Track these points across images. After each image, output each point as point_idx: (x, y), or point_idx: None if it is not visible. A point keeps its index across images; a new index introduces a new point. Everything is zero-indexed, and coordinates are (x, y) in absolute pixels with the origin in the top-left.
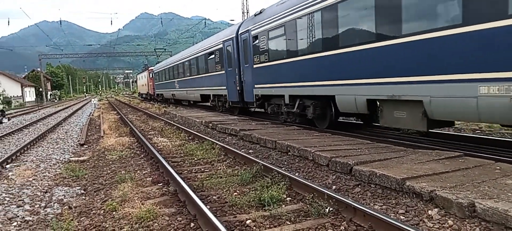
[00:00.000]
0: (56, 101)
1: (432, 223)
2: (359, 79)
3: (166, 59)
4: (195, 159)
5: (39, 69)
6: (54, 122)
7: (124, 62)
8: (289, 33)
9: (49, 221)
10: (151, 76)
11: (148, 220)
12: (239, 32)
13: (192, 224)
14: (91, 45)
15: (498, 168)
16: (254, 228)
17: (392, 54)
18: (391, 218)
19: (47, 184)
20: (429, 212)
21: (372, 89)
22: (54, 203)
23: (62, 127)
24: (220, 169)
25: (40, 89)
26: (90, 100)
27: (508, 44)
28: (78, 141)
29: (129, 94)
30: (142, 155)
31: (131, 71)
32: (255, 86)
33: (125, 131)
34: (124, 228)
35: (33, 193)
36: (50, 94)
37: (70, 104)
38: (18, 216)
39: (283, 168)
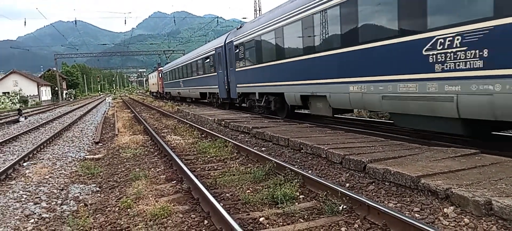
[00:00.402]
0: (71, 100)
1: (448, 221)
2: (296, 81)
3: (173, 60)
4: (208, 156)
5: (54, 68)
6: (70, 120)
7: (137, 61)
8: (257, 45)
9: (65, 218)
10: (160, 76)
11: (162, 217)
12: (226, 42)
13: (205, 222)
14: (105, 44)
15: None
16: (267, 225)
17: (312, 64)
18: (406, 216)
19: (63, 182)
20: (445, 210)
21: (303, 88)
22: (70, 200)
23: (77, 125)
24: (233, 167)
25: (56, 88)
26: (105, 99)
27: (359, 60)
28: (93, 139)
29: (142, 93)
30: (156, 153)
31: (145, 70)
32: (237, 85)
33: (139, 129)
34: (138, 225)
35: (49, 190)
36: (66, 93)
37: (85, 103)
38: (35, 213)
39: (296, 166)
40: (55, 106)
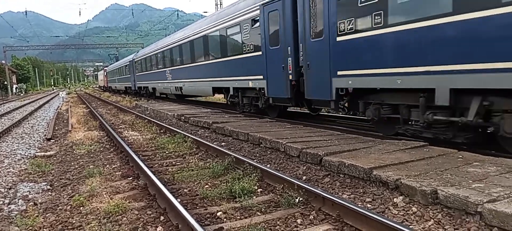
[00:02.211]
0: (22, 95)
1: (397, 210)
2: (151, 81)
3: (115, 62)
4: (167, 152)
5: (3, 61)
6: (20, 116)
7: (94, 55)
8: (141, 63)
9: (13, 218)
10: (105, 74)
11: (117, 214)
12: (133, 58)
13: (162, 217)
14: (58, 36)
15: (461, 156)
16: (225, 219)
17: (153, 75)
18: (358, 207)
19: (11, 180)
20: (395, 200)
21: (153, 84)
22: (18, 199)
23: (28, 121)
24: (192, 162)
25: (5, 82)
26: (58, 94)
27: (155, 75)
28: (45, 135)
29: (99, 87)
30: (111, 149)
31: (101, 64)
32: (137, 83)
33: (95, 125)
34: (91, 223)
35: None
36: (16, 88)
37: (37, 97)
38: None
39: (255, 160)
40: (4, 102)
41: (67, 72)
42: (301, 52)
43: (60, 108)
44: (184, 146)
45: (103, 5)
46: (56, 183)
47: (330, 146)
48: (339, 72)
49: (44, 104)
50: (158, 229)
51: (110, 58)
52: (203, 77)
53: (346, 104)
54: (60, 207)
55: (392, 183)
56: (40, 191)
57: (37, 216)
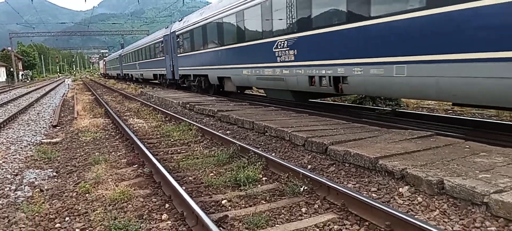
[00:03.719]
0: (28, 81)
1: (402, 200)
2: (131, 70)
3: (112, 53)
4: (172, 140)
5: (9, 48)
6: (26, 102)
7: (99, 42)
8: (126, 57)
9: (19, 204)
10: (104, 63)
11: (122, 201)
12: (121, 54)
13: (167, 205)
14: (64, 23)
15: (468, 146)
16: (230, 207)
17: (141, 66)
18: (363, 196)
19: (17, 167)
20: (400, 189)
21: (132, 72)
22: (24, 186)
23: (34, 108)
24: (196, 150)
25: (11, 69)
26: (64, 81)
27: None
28: (51, 122)
29: (100, 74)
30: (117, 137)
31: (107, 51)
32: (123, 71)
33: (100, 112)
34: (97, 210)
35: (2, 176)
36: (22, 75)
37: (43, 84)
38: None
39: (260, 149)
40: (10, 88)
41: (73, 59)
42: (173, 59)
43: (66, 96)
44: (189, 134)
45: None
46: (62, 170)
47: (335, 135)
48: (179, 68)
49: (50, 91)
50: (163, 216)
51: (109, 49)
52: (149, 68)
53: (181, 80)
54: (66, 193)
55: (398, 173)
56: (46, 178)
57: (43, 202)
